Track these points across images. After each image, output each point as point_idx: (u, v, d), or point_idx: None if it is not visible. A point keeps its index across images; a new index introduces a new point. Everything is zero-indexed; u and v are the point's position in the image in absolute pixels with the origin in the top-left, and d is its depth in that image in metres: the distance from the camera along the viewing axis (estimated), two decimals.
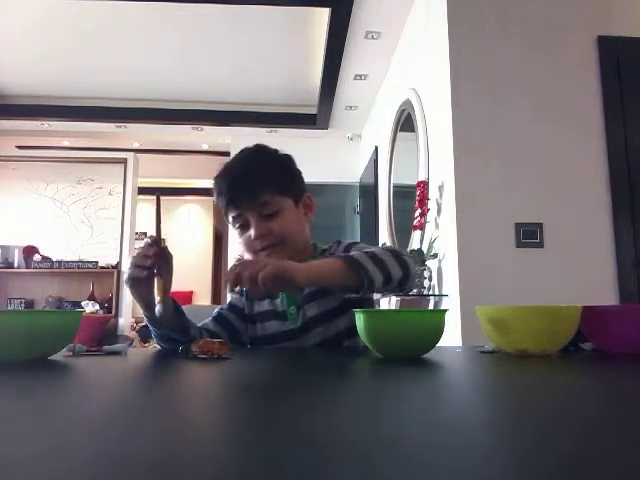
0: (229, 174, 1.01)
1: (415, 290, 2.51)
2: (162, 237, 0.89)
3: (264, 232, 0.97)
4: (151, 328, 0.95)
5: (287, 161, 1.07)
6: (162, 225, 0.90)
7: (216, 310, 1.09)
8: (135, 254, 0.88)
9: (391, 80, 3.84)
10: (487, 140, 2.32)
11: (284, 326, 1.03)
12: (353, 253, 0.86)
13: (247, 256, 1.02)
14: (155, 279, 0.87)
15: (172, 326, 0.91)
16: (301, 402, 0.40)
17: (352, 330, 0.99)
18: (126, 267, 0.89)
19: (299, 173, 1.09)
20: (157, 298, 0.86)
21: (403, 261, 0.88)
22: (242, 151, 1.06)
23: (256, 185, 0.97)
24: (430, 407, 0.38)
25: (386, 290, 0.87)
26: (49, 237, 5.52)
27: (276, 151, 1.07)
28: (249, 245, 0.99)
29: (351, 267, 0.81)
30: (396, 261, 0.87)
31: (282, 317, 1.03)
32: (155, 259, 0.86)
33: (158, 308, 0.86)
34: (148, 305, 0.89)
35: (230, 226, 1.04)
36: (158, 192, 0.94)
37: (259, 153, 1.05)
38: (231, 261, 4.72)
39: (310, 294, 1.02)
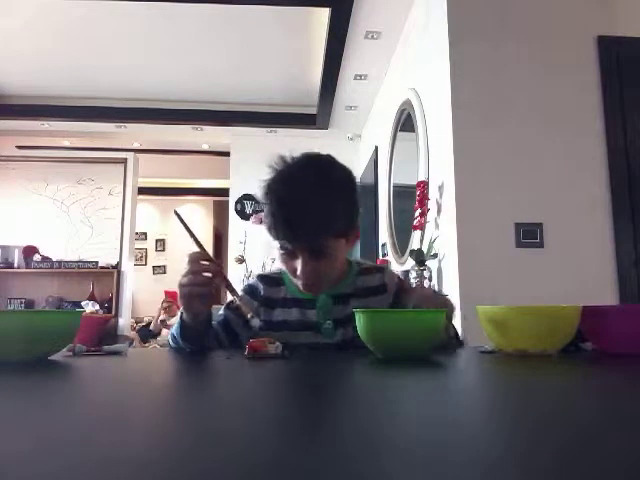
0: (288, 210, 0.89)
1: None
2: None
3: (311, 272, 0.93)
4: (178, 335, 0.92)
5: (352, 192, 0.96)
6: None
7: (221, 313, 1.05)
8: (193, 269, 0.85)
9: (391, 80, 3.84)
10: (487, 140, 2.31)
11: (318, 338, 0.99)
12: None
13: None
14: (235, 298, 0.86)
15: (202, 337, 0.92)
16: (300, 402, 0.40)
17: None
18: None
19: (358, 202, 0.99)
20: (250, 315, 0.83)
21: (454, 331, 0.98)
22: (304, 169, 0.93)
23: (317, 233, 0.90)
24: (430, 407, 0.38)
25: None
26: (49, 237, 5.52)
27: (341, 173, 0.96)
28: (291, 272, 0.96)
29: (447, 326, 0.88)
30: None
31: (315, 329, 1.00)
32: (220, 278, 0.86)
33: (254, 323, 0.83)
34: (196, 315, 0.88)
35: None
36: (175, 210, 0.94)
37: (324, 183, 0.91)
38: (231, 261, 4.72)
39: (349, 316, 0.95)
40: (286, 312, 1.02)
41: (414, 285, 0.99)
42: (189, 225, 0.91)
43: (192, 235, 0.90)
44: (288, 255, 0.94)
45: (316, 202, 0.88)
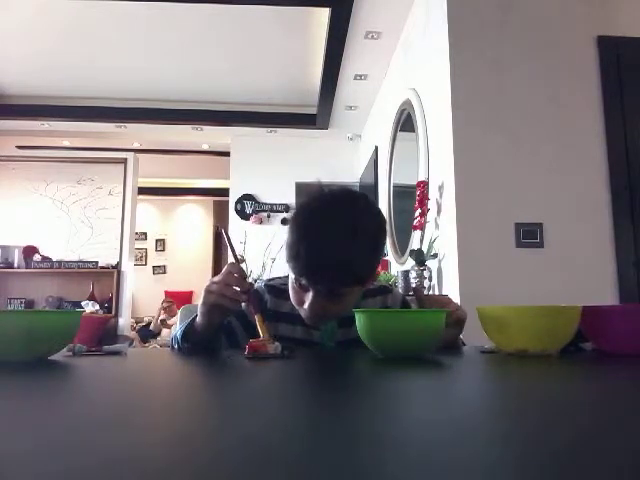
0: (312, 255, 0.85)
1: None
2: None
3: (319, 309, 0.91)
4: (180, 335, 0.91)
5: (380, 243, 0.93)
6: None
7: (227, 320, 1.01)
8: (228, 281, 0.83)
9: (391, 80, 3.84)
10: (487, 140, 2.31)
11: None
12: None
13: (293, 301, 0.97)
14: (256, 317, 0.83)
15: (204, 343, 0.91)
16: (301, 402, 0.40)
17: None
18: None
19: (384, 250, 0.97)
20: (264, 335, 0.80)
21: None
22: (337, 215, 0.87)
23: (336, 281, 0.88)
24: (430, 407, 0.38)
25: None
26: (49, 237, 5.52)
27: (374, 223, 0.91)
28: (298, 302, 0.94)
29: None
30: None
31: (318, 349, 1.00)
32: (248, 297, 0.84)
33: (276, 345, 0.78)
34: (210, 324, 0.87)
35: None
36: (221, 228, 0.94)
37: (354, 236, 0.86)
38: (231, 261, 4.71)
39: (352, 340, 0.95)
40: (290, 328, 1.00)
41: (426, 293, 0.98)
42: (232, 242, 0.94)
43: (234, 252, 0.91)
44: (300, 286, 0.92)
45: (342, 254, 0.85)
